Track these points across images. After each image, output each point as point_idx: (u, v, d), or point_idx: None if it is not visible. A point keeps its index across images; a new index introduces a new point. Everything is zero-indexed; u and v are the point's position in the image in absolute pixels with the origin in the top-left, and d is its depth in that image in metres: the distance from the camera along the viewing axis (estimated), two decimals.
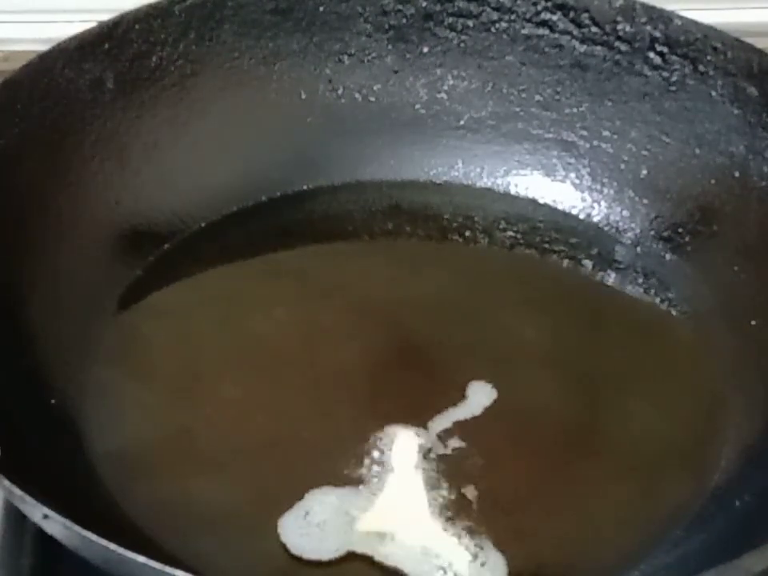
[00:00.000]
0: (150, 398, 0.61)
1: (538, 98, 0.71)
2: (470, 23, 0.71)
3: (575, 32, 0.70)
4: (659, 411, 0.61)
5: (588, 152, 0.71)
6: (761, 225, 0.65)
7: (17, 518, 0.55)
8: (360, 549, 0.54)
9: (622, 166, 0.70)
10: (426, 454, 0.58)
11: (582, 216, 0.71)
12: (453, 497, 0.56)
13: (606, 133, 0.70)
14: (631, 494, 0.58)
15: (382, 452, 0.58)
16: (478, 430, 0.59)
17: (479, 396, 0.61)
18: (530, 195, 0.72)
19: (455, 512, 0.56)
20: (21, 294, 0.60)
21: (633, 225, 0.70)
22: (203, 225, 0.68)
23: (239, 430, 0.59)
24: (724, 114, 0.67)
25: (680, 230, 0.68)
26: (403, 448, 0.58)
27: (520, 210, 0.71)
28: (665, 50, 0.68)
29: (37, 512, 0.48)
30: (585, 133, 0.71)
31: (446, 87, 0.72)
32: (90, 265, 0.64)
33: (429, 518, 0.55)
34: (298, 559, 0.54)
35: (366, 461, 0.57)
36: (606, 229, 0.70)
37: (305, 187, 0.71)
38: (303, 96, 0.71)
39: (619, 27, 0.69)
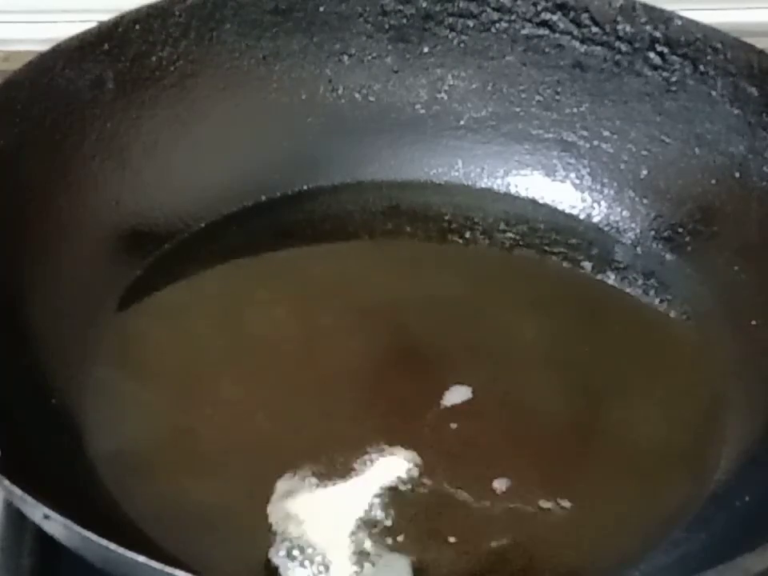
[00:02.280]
0: (150, 397, 0.61)
1: (538, 98, 0.71)
2: (470, 23, 0.71)
3: (575, 32, 0.70)
4: (659, 411, 0.61)
5: (588, 152, 0.71)
6: (761, 225, 0.65)
7: (17, 518, 0.55)
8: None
9: (622, 166, 0.70)
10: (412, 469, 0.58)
11: (582, 216, 0.71)
12: (436, 500, 0.56)
13: (606, 133, 0.70)
14: (631, 494, 0.58)
15: (382, 454, 0.58)
16: (477, 430, 0.59)
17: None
18: (530, 195, 0.72)
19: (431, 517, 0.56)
20: (21, 294, 0.60)
21: (633, 225, 0.70)
22: (203, 225, 0.68)
23: (239, 430, 0.59)
24: (724, 114, 0.67)
25: (680, 229, 0.68)
26: (388, 469, 0.58)
27: (520, 210, 0.71)
28: (665, 50, 0.68)
29: (37, 512, 0.48)
30: (585, 133, 0.71)
31: (446, 87, 0.72)
32: (90, 265, 0.64)
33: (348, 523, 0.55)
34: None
35: (365, 462, 0.58)
36: (606, 229, 0.70)
37: (305, 187, 0.71)
38: (303, 96, 0.71)
39: (619, 27, 0.69)
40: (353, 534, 0.55)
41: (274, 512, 0.55)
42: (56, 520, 0.47)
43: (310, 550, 0.54)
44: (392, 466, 0.57)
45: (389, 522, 0.55)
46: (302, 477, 0.57)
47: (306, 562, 0.54)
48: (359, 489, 0.56)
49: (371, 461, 0.57)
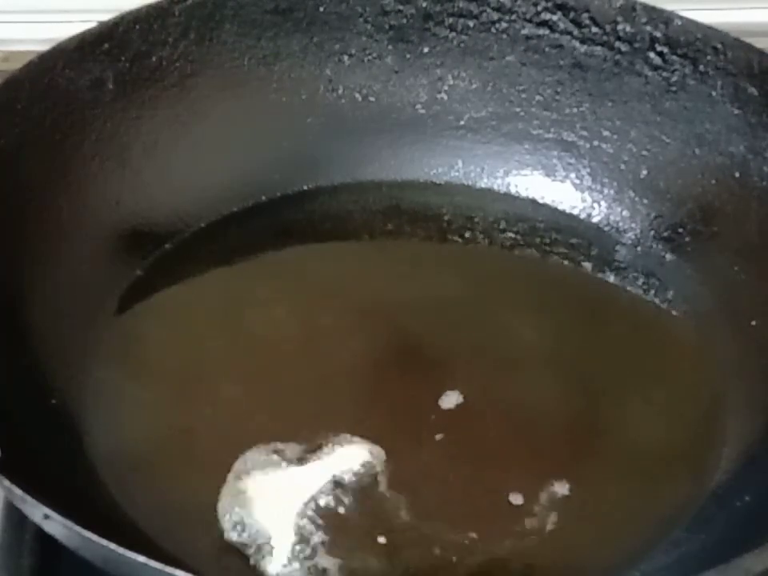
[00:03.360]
0: (150, 397, 0.61)
1: (538, 98, 0.71)
2: (471, 23, 0.71)
3: (575, 32, 0.70)
4: (659, 411, 0.61)
5: (588, 152, 0.71)
6: (761, 225, 0.65)
7: (17, 517, 0.55)
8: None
9: (622, 166, 0.70)
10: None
11: (582, 216, 0.71)
12: (429, 498, 0.56)
13: (606, 133, 0.70)
14: (631, 494, 0.58)
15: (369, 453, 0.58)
16: (477, 430, 0.59)
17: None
18: (530, 195, 0.72)
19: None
20: (21, 294, 0.60)
21: (633, 225, 0.70)
22: (203, 225, 0.68)
23: (239, 430, 0.59)
24: (724, 114, 0.67)
25: (680, 229, 0.68)
26: (350, 460, 0.58)
27: (520, 210, 0.71)
28: (665, 50, 0.68)
29: (37, 512, 0.48)
30: (585, 133, 0.71)
31: (446, 87, 0.72)
32: (90, 265, 0.64)
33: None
34: None
35: (328, 453, 0.58)
36: (606, 229, 0.70)
37: (305, 187, 0.71)
38: (303, 96, 0.71)
39: (619, 27, 0.69)
40: (296, 524, 0.55)
41: (230, 493, 0.55)
42: (56, 520, 0.47)
43: (256, 533, 0.54)
44: (361, 464, 0.57)
45: (342, 512, 0.56)
46: (276, 462, 0.57)
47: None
48: (316, 479, 0.57)
49: (350, 458, 0.57)
